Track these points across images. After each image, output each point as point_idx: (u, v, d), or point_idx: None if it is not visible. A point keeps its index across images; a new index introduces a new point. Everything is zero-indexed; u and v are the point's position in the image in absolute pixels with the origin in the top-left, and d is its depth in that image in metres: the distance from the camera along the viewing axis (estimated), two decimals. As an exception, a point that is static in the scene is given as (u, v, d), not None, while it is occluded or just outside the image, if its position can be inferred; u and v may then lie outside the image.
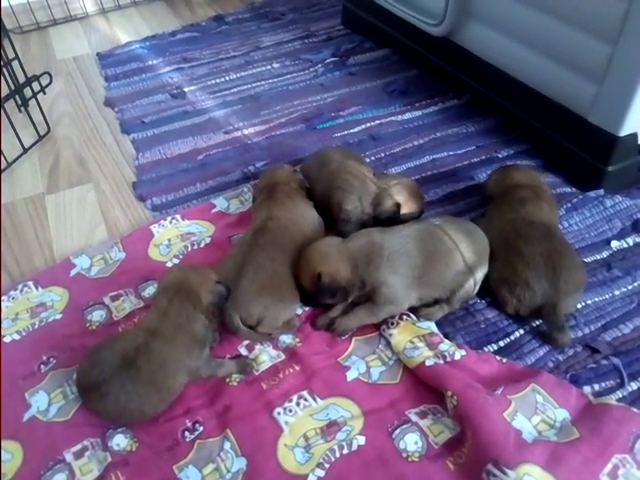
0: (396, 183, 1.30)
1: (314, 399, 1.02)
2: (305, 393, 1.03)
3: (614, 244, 1.30)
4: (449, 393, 0.96)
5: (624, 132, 1.31)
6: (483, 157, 1.58)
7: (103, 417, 0.98)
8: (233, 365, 1.06)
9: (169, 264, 1.29)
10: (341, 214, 1.27)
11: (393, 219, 1.25)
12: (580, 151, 1.41)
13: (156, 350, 0.96)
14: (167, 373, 0.97)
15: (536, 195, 1.25)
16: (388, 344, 1.09)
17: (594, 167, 1.39)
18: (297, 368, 1.07)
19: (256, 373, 1.06)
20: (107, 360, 0.95)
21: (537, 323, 1.14)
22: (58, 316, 1.18)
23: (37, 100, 1.74)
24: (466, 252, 1.12)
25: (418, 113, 1.76)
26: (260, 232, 1.15)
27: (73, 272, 1.28)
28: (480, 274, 1.14)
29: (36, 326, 1.16)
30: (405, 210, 1.28)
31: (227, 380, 1.05)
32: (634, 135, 1.34)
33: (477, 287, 1.15)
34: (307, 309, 1.17)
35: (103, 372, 0.94)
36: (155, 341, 0.97)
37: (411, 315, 1.13)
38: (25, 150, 1.66)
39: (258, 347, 1.10)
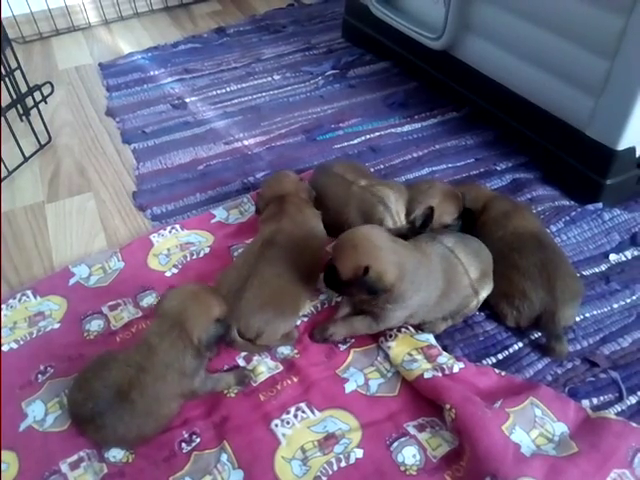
0: (428, 187, 1.27)
1: (312, 411, 1.01)
2: (303, 405, 1.02)
3: (612, 257, 1.30)
4: (447, 406, 0.96)
5: (622, 146, 1.32)
6: (482, 169, 1.58)
7: (102, 444, 0.97)
8: (231, 378, 1.05)
9: (168, 274, 1.29)
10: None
11: (427, 224, 1.23)
12: (578, 164, 1.42)
13: (148, 385, 0.94)
14: (161, 404, 0.96)
15: (514, 205, 1.27)
16: (387, 356, 1.09)
17: (592, 180, 1.40)
18: (295, 379, 1.06)
19: (254, 384, 1.05)
20: (100, 393, 0.93)
21: (536, 336, 1.14)
22: (56, 325, 1.18)
23: (39, 109, 1.75)
24: (473, 274, 1.11)
25: (417, 125, 1.77)
26: (268, 244, 1.14)
27: (72, 281, 1.28)
28: (484, 294, 1.14)
29: (34, 335, 1.16)
30: (441, 212, 1.24)
31: (224, 391, 1.04)
32: (632, 149, 1.35)
33: (480, 304, 1.15)
34: (306, 320, 1.17)
35: (97, 405, 0.92)
36: (146, 377, 0.94)
37: (409, 327, 1.13)
38: (26, 159, 1.67)
39: (256, 358, 1.10)
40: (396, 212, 1.26)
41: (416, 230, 1.25)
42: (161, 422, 0.97)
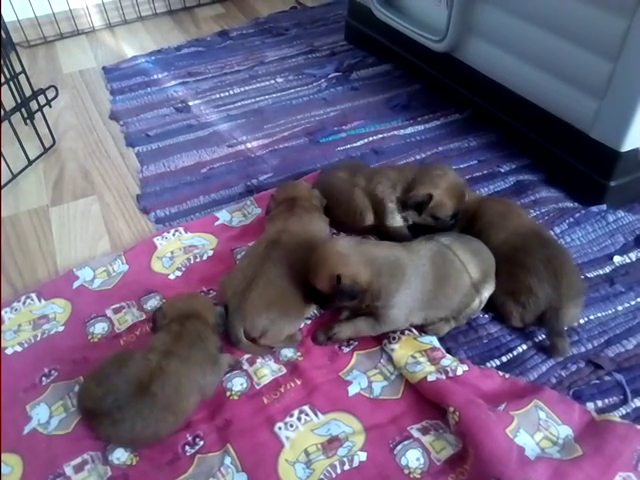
0: (438, 174, 1.24)
1: (315, 414, 1.01)
2: (306, 408, 1.02)
3: (617, 259, 1.29)
4: (451, 409, 0.96)
5: (626, 147, 1.31)
6: (485, 171, 1.58)
7: (113, 442, 0.97)
8: (227, 358, 1.08)
9: (171, 276, 1.29)
10: (384, 213, 1.28)
11: (420, 209, 1.22)
12: (582, 166, 1.42)
13: (171, 372, 0.96)
14: (182, 396, 0.97)
15: (506, 206, 1.27)
16: (390, 359, 1.09)
17: (596, 182, 1.39)
18: (298, 382, 1.06)
19: (257, 387, 1.06)
20: (121, 387, 0.94)
21: (540, 338, 1.13)
22: (60, 328, 1.18)
23: (43, 113, 1.76)
24: (474, 273, 1.11)
25: (420, 127, 1.77)
26: (273, 245, 1.15)
27: (76, 284, 1.28)
28: (486, 294, 1.14)
29: (38, 338, 1.16)
30: (438, 203, 1.22)
31: (228, 394, 1.05)
32: (636, 150, 1.34)
33: (482, 304, 1.15)
34: (309, 322, 1.17)
35: (118, 399, 0.93)
36: (170, 362, 0.96)
37: (413, 330, 1.13)
38: (30, 162, 1.67)
39: (259, 361, 1.10)
40: (394, 188, 1.28)
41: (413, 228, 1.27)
42: (178, 419, 0.97)
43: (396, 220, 1.29)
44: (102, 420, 0.94)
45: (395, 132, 1.76)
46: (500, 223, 1.22)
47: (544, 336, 1.13)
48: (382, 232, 1.33)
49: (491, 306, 1.17)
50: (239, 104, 1.94)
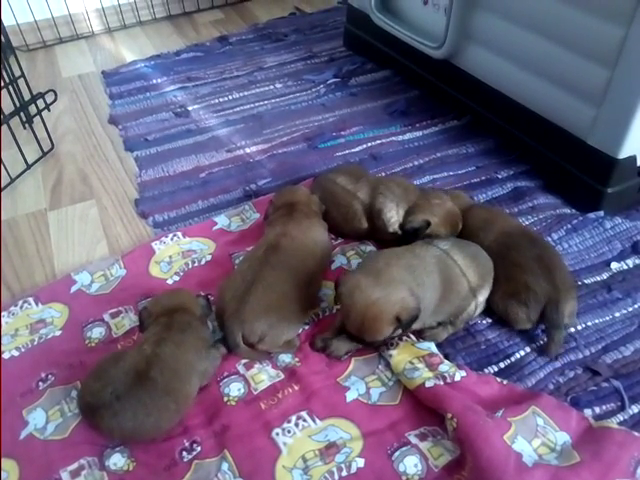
0: (438, 203, 1.27)
1: (313, 420, 1.01)
2: (304, 414, 1.02)
3: (614, 266, 1.30)
4: (449, 415, 0.95)
5: (623, 154, 1.32)
6: (483, 177, 1.58)
7: (116, 436, 0.96)
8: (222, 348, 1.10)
9: (170, 281, 1.29)
10: (380, 222, 1.30)
11: (417, 234, 1.24)
12: (580, 173, 1.42)
13: (167, 357, 0.97)
14: (182, 379, 0.97)
15: (489, 211, 1.31)
16: (388, 365, 1.09)
17: (594, 189, 1.40)
18: (296, 388, 1.06)
19: (254, 392, 1.05)
20: (119, 377, 0.94)
21: (537, 344, 1.13)
22: (58, 333, 1.18)
23: (42, 117, 1.76)
24: (472, 277, 1.11)
25: (418, 133, 1.78)
26: (272, 249, 1.15)
27: (74, 288, 1.28)
28: (482, 298, 1.14)
29: (35, 342, 1.16)
30: (433, 231, 1.24)
31: (225, 399, 1.04)
32: (633, 157, 1.35)
33: (479, 309, 1.16)
34: (307, 328, 1.17)
35: (117, 389, 0.93)
36: (164, 348, 0.97)
37: (411, 336, 1.12)
38: (29, 166, 1.67)
39: (257, 366, 1.10)
40: (396, 205, 1.29)
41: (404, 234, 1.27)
42: (180, 407, 0.97)
43: (389, 230, 1.30)
44: (103, 414, 0.93)
45: (393, 138, 1.76)
46: (486, 227, 1.25)
47: (542, 342, 1.13)
48: (377, 238, 1.35)
49: (489, 312, 1.17)
50: (238, 109, 1.95)
